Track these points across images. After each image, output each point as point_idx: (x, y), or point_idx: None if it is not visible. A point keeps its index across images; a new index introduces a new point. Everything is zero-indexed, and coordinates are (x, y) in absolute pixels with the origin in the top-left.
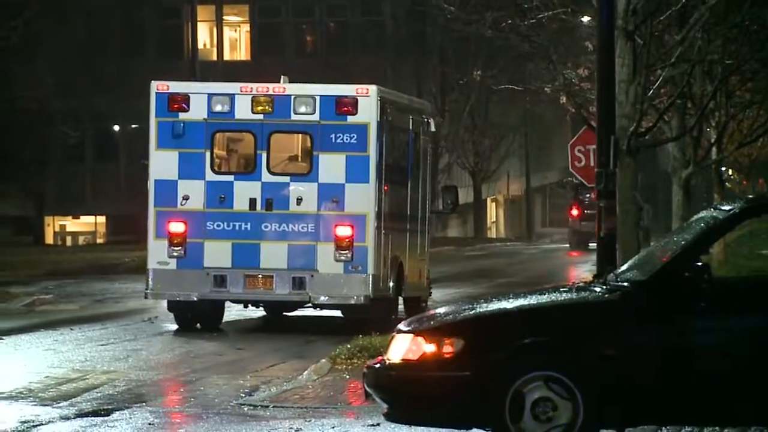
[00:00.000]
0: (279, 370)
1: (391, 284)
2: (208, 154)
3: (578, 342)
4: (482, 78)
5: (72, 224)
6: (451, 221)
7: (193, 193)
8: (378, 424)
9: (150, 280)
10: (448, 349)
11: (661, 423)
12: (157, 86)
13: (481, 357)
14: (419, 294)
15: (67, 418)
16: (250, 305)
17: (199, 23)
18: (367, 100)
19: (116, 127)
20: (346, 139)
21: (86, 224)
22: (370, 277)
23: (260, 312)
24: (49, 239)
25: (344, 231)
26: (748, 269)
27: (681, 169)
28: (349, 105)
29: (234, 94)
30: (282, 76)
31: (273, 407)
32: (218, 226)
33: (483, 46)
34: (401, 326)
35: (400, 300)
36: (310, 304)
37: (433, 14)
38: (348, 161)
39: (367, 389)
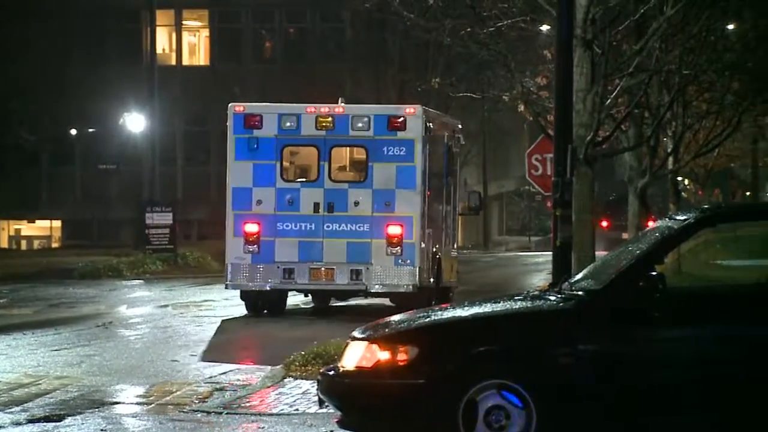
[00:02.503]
0: (233, 375)
1: (432, 276)
2: (278, 165)
3: (532, 350)
4: (441, 85)
5: (27, 228)
6: None
7: (266, 199)
8: None
9: (228, 272)
10: (402, 356)
11: None
12: (234, 108)
13: (435, 365)
14: (451, 284)
15: (18, 423)
16: (308, 294)
17: (158, 28)
18: (414, 118)
19: (73, 131)
20: (396, 152)
21: (42, 228)
22: (417, 269)
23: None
24: (4, 243)
25: (395, 230)
26: (703, 279)
27: (637, 178)
28: (399, 122)
29: (300, 114)
30: (339, 98)
31: (226, 414)
32: (287, 226)
33: (442, 54)
34: (355, 333)
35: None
36: (361, 294)
37: (393, 21)
38: (398, 170)
39: (321, 396)
